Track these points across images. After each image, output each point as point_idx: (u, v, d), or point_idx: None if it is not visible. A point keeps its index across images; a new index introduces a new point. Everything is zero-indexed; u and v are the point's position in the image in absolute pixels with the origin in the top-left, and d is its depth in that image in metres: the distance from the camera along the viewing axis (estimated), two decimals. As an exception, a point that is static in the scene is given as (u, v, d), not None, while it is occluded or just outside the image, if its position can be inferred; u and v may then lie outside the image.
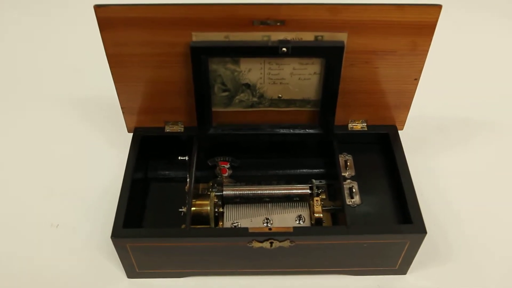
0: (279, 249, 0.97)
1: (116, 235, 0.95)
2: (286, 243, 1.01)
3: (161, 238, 0.97)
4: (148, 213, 1.12)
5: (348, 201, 1.12)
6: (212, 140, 1.11)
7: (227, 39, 0.93)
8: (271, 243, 1.05)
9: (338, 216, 1.07)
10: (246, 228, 1.00)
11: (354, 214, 1.09)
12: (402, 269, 1.06)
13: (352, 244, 0.98)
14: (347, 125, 1.14)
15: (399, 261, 1.03)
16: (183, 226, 1.02)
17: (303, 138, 1.11)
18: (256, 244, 1.05)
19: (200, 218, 1.05)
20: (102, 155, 1.31)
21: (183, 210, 1.04)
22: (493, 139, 1.35)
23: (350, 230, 0.96)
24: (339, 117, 1.09)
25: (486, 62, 1.57)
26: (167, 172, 1.20)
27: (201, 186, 1.14)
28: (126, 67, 1.00)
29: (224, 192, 1.09)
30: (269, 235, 0.96)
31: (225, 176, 1.17)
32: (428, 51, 0.98)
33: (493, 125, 1.39)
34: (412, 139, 1.26)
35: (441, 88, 1.47)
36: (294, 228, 0.97)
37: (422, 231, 0.95)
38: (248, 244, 0.98)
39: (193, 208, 1.04)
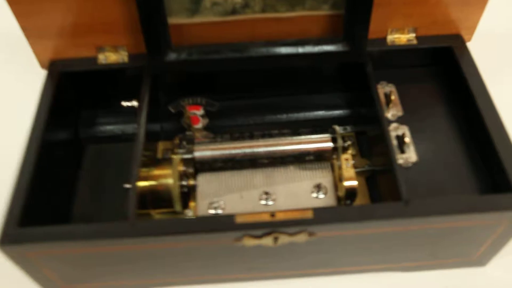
0: (289, 246, 0.68)
1: (6, 241, 0.64)
2: (302, 237, 0.66)
3: (85, 241, 0.64)
4: (80, 197, 0.83)
5: (399, 157, 0.78)
6: (173, 72, 0.83)
7: None
8: (276, 238, 0.65)
9: (379, 182, 0.80)
10: (231, 216, 0.65)
11: (410, 180, 0.76)
12: (481, 260, 0.79)
13: (411, 232, 0.68)
14: (385, 38, 0.85)
15: (481, 250, 0.75)
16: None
17: (317, 62, 0.82)
18: (250, 242, 0.66)
19: (158, 199, 0.76)
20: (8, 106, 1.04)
21: (128, 186, 0.72)
22: None
23: (410, 209, 0.65)
24: (374, 25, 0.80)
25: None
26: (107, 128, 0.90)
27: (160, 146, 0.87)
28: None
29: (196, 154, 0.81)
30: (271, 225, 0.65)
31: (198, 129, 0.87)
32: None
33: None
34: (482, 58, 0.87)
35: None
36: (315, 210, 0.65)
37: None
38: (235, 243, 0.66)
39: (142, 184, 0.74)
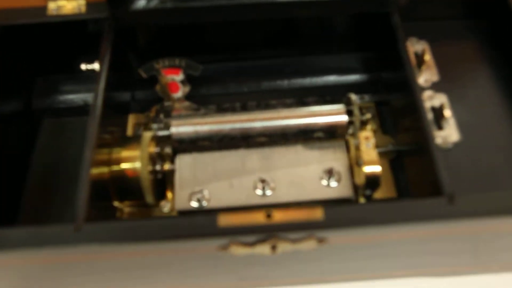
0: (292, 255, 0.52)
1: None
2: (309, 244, 0.50)
3: (17, 250, 0.49)
4: (32, 184, 0.70)
5: (436, 135, 0.62)
6: (142, 25, 0.71)
7: None
8: (274, 246, 0.50)
9: (406, 166, 0.66)
10: (212, 217, 0.49)
11: (450, 165, 0.60)
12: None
13: (455, 235, 0.53)
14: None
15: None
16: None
17: (327, 11, 0.69)
18: (239, 251, 0.50)
19: (123, 189, 0.62)
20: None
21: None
22: None
23: (455, 207, 0.49)
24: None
25: None
26: (67, 97, 0.77)
27: (131, 120, 0.74)
28: None
29: (173, 130, 0.67)
30: (267, 229, 0.49)
31: (178, 98, 0.72)
32: None
33: None
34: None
35: None
36: (326, 209, 0.49)
37: None
38: (220, 252, 0.51)
39: (100, 170, 0.59)
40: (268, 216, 0.49)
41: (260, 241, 0.49)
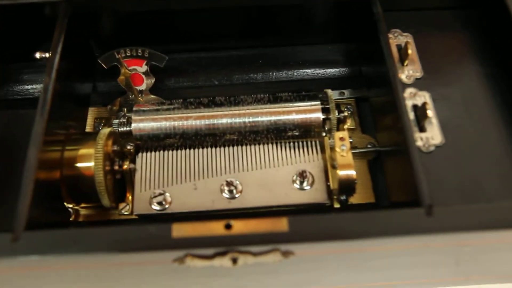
0: (256, 267, 0.47)
1: None
2: (273, 257, 0.45)
3: None
4: None
5: (417, 137, 0.56)
6: (100, 9, 0.64)
7: None
8: (234, 259, 0.45)
9: (385, 168, 0.61)
10: (166, 227, 0.44)
11: (431, 170, 0.54)
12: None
13: (434, 249, 0.48)
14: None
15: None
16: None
17: None
18: (197, 263, 0.45)
19: (75, 191, 0.56)
20: None
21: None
22: None
23: (434, 220, 0.45)
24: None
25: None
26: (22, 88, 0.69)
27: (90, 114, 0.69)
28: None
29: (134, 126, 0.61)
30: (227, 242, 0.44)
31: (141, 91, 0.66)
32: None
33: None
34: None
35: None
36: (291, 220, 0.44)
37: None
38: (176, 265, 0.46)
39: (44, 172, 0.52)
40: (227, 227, 0.44)
41: (219, 254, 0.44)
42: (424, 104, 0.55)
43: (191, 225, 0.44)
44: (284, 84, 0.70)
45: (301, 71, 0.70)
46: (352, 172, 0.53)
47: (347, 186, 0.54)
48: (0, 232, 0.45)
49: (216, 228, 0.44)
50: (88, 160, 0.55)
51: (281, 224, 0.44)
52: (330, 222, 0.45)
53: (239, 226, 0.44)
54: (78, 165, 0.55)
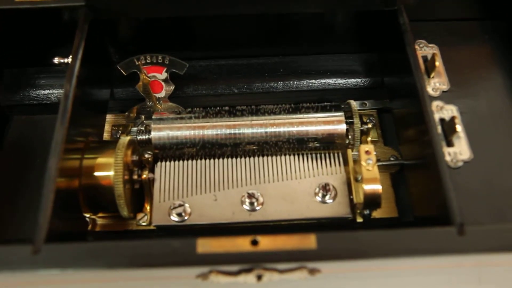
0: (281, 283, 0.46)
1: None
2: (300, 275, 0.44)
3: None
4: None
5: (445, 152, 0.55)
6: (121, 16, 0.63)
7: None
8: (259, 276, 0.44)
9: (409, 181, 0.60)
10: (191, 242, 0.43)
11: (460, 187, 0.53)
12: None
13: (465, 268, 0.48)
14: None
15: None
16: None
17: (327, 8, 0.64)
18: (221, 279, 0.45)
19: (94, 201, 0.56)
20: None
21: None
22: None
23: (466, 240, 0.44)
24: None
25: None
26: (39, 93, 0.70)
27: (108, 121, 0.68)
28: None
29: (153, 134, 0.61)
30: (252, 259, 0.43)
31: (160, 98, 0.66)
32: None
33: None
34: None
35: None
36: (319, 237, 0.43)
37: None
38: (200, 280, 0.45)
39: (67, 181, 0.52)
40: (254, 243, 0.43)
41: (244, 270, 0.43)
42: (453, 118, 0.54)
43: (217, 240, 0.43)
44: (304, 93, 0.70)
45: (322, 80, 0.70)
46: (378, 187, 0.52)
47: (373, 201, 0.53)
48: (20, 244, 0.44)
49: (242, 244, 0.43)
50: (108, 170, 0.54)
51: (309, 241, 0.43)
52: (360, 239, 0.44)
53: (266, 242, 0.43)
54: (97, 174, 0.54)
